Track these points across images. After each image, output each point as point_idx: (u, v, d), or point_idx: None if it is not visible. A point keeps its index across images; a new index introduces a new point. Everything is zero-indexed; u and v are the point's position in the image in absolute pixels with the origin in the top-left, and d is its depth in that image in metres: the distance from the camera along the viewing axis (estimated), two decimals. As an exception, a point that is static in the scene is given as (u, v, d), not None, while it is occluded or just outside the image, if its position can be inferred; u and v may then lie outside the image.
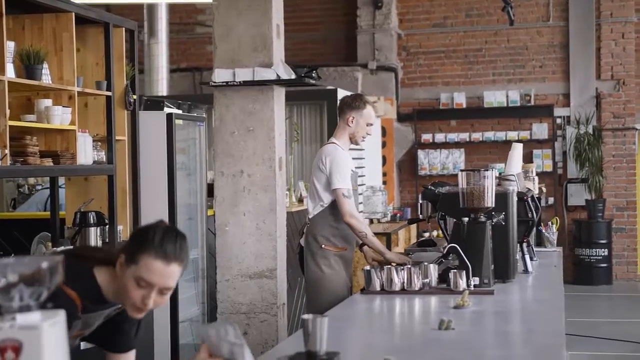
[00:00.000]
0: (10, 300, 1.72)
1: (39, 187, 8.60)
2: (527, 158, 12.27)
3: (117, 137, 5.68)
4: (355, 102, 5.30)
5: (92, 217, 5.37)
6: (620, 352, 8.15)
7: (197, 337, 6.75)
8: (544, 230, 6.38)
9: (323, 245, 5.18)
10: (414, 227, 11.13)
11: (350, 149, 7.78)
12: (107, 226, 5.52)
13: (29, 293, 1.74)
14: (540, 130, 12.58)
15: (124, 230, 5.81)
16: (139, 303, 2.55)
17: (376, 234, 9.02)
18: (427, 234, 12.06)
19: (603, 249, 12.17)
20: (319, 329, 2.72)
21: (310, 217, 5.28)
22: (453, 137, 12.78)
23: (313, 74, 6.25)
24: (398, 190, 13.01)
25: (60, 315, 1.77)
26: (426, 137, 12.87)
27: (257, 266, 5.85)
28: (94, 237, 5.36)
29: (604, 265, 12.20)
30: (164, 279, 2.52)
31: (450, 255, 4.38)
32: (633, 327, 9.40)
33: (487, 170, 4.39)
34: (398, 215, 11.03)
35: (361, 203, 9.80)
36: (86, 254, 2.68)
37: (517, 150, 5.46)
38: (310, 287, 5.26)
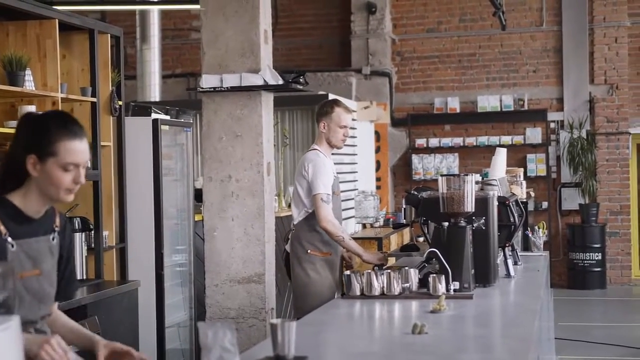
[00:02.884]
0: (-39, 306, 1.74)
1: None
2: (521, 162, 12.30)
3: (102, 143, 5.70)
4: (324, 108, 5.45)
5: (77, 223, 5.38)
6: (613, 357, 8.15)
7: (184, 342, 6.76)
8: (530, 235, 6.38)
9: (309, 251, 5.28)
10: (407, 231, 11.14)
11: (340, 154, 7.81)
12: (92, 232, 5.54)
13: (-19, 298, 1.76)
14: (534, 134, 12.59)
15: (109, 236, 5.83)
16: (69, 185, 2.69)
17: (368, 238, 9.10)
18: (421, 239, 12.05)
19: (597, 253, 12.18)
20: (287, 334, 2.74)
21: (295, 222, 5.38)
22: (447, 141, 12.80)
23: (300, 80, 6.27)
24: (392, 195, 13.02)
25: (13, 321, 1.79)
26: (420, 141, 12.89)
27: (246, 271, 5.87)
28: (79, 242, 5.37)
29: (598, 269, 12.20)
30: (85, 154, 2.72)
31: (432, 259, 4.39)
32: (626, 331, 9.40)
33: (467, 175, 4.41)
34: (391, 220, 11.02)
35: (352, 208, 9.82)
36: None
37: (501, 156, 5.48)
38: (297, 291, 5.32)
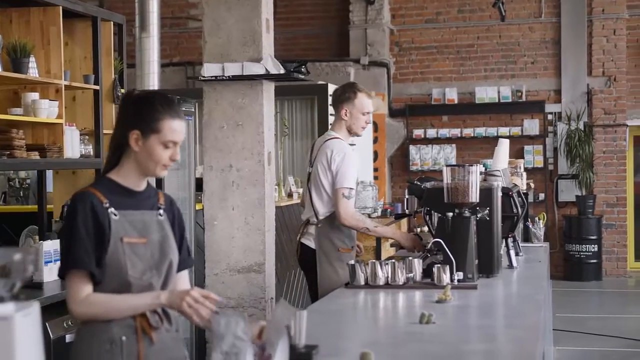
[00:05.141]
0: (-18, 292, 1.74)
1: (29, 181, 8.61)
2: (518, 154, 12.31)
3: (105, 131, 5.68)
4: (345, 93, 5.15)
5: (79, 211, 5.35)
6: (609, 348, 8.18)
7: (184, 331, 6.75)
8: (531, 226, 6.40)
9: (340, 249, 5.05)
10: (404, 222, 11.15)
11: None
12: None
13: (2, 284, 1.76)
14: (532, 126, 12.60)
15: (111, 224, 5.81)
16: (166, 162, 2.85)
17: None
18: (418, 229, 12.06)
19: (593, 245, 12.21)
20: (298, 323, 2.74)
21: (320, 217, 5.09)
22: (445, 132, 12.81)
23: (302, 69, 6.26)
24: (390, 185, 13.03)
25: (33, 307, 1.79)
26: (418, 132, 12.89)
27: (246, 260, 5.87)
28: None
29: (594, 261, 12.24)
30: (183, 134, 2.89)
31: (435, 250, 4.39)
32: (622, 323, 9.44)
33: (472, 165, 4.41)
34: (389, 210, 11.04)
35: (352, 198, 9.81)
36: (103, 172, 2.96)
37: (504, 146, 5.48)
38: (325, 288, 5.09)
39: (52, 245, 4.91)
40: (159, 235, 2.89)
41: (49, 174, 6.43)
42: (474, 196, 4.38)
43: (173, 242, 2.94)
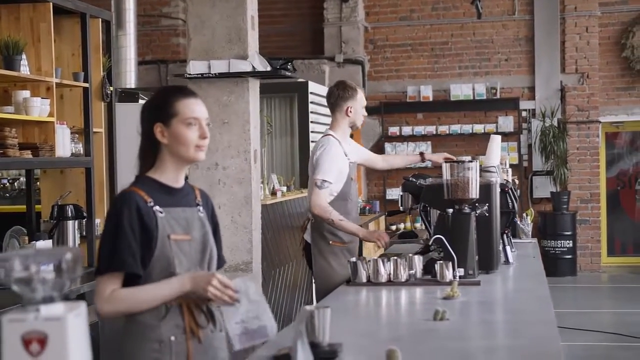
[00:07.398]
0: (33, 292, 1.70)
1: (4, 181, 8.49)
2: (494, 151, 12.36)
3: (94, 129, 5.61)
4: (347, 91, 5.27)
5: (70, 210, 5.29)
6: (584, 342, 8.26)
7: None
8: (519, 222, 6.42)
9: (331, 242, 5.13)
10: (382, 219, 11.18)
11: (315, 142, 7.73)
12: (85, 219, 5.45)
13: (52, 284, 1.72)
14: (506, 123, 12.67)
15: (101, 224, 5.74)
16: (198, 140, 2.82)
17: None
18: (393, 227, 12.10)
19: (568, 241, 12.31)
20: (322, 320, 2.72)
21: (314, 212, 5.12)
22: (420, 130, 12.83)
23: (288, 67, 6.24)
24: (365, 183, 13.03)
25: (82, 307, 1.75)
26: (393, 130, 12.91)
27: (233, 259, 5.85)
28: (72, 230, 5.28)
29: (569, 256, 12.35)
30: (202, 110, 2.86)
31: (433, 246, 4.38)
32: (598, 317, 9.54)
33: (471, 161, 4.40)
34: (367, 208, 11.06)
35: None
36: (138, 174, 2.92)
37: (496, 142, 5.49)
38: (320, 282, 5.16)
39: (44, 246, 4.83)
40: (201, 233, 2.88)
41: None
42: (474, 192, 4.37)
43: (212, 239, 2.92)
